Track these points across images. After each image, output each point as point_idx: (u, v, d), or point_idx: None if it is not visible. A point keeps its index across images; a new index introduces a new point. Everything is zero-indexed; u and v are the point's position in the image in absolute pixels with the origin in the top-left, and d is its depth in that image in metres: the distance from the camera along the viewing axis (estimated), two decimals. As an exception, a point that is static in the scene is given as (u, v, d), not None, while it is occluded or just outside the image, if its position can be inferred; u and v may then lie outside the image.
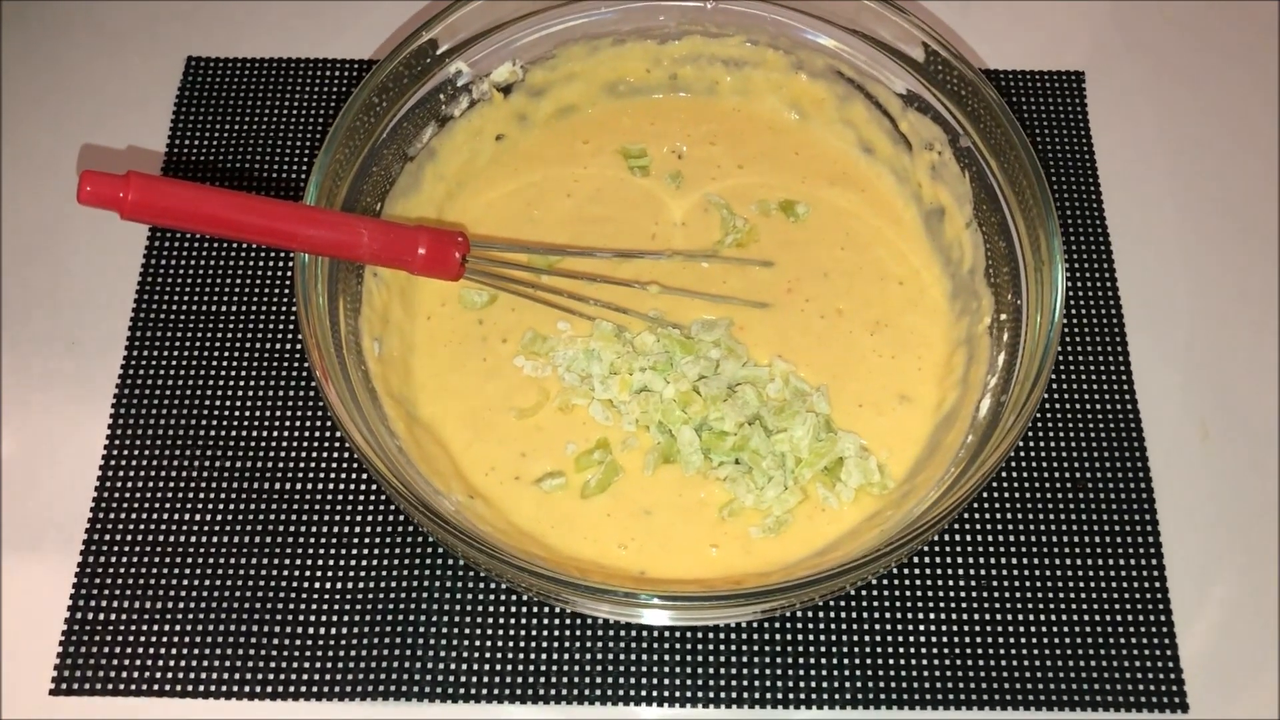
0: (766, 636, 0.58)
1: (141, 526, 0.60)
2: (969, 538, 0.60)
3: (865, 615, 0.58)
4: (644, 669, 0.57)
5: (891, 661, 0.58)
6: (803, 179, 0.67)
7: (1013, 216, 0.58)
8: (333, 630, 0.58)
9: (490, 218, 0.66)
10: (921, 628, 0.58)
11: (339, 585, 0.59)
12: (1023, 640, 0.58)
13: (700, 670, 0.57)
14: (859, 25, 0.63)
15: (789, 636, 0.58)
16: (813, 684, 0.57)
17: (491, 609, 0.58)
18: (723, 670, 0.57)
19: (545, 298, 0.62)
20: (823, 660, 0.57)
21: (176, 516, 0.60)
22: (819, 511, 0.58)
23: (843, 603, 0.59)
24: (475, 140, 0.66)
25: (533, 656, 0.57)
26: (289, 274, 0.67)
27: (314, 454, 0.62)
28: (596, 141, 0.68)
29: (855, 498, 0.58)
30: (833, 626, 0.58)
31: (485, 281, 0.62)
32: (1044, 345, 0.53)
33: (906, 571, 0.59)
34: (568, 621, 0.58)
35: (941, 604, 0.59)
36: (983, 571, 0.60)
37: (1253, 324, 0.67)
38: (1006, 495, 0.62)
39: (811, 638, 0.58)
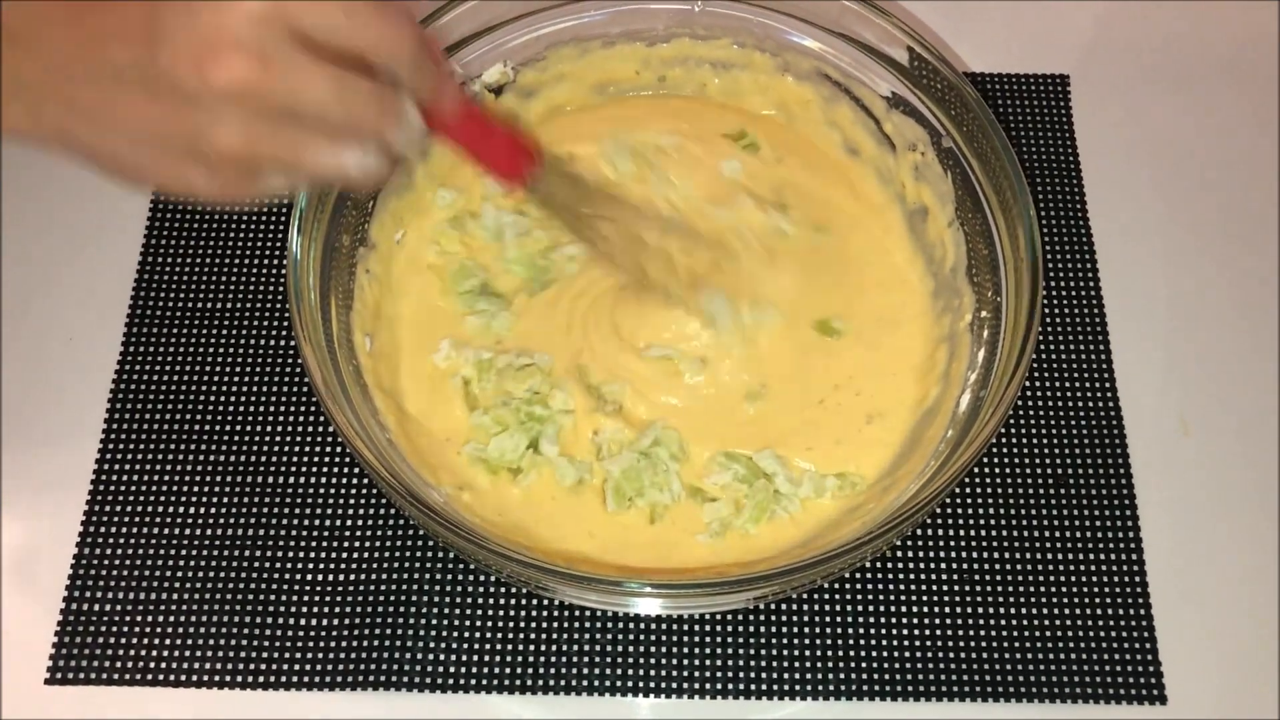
0: (754, 628, 0.59)
1: (136, 518, 0.61)
2: (951, 532, 0.61)
3: (848, 609, 0.59)
4: (634, 659, 0.58)
5: (874, 654, 0.58)
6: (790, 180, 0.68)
7: (993, 215, 0.59)
8: (325, 621, 0.58)
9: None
10: (904, 621, 0.59)
11: (331, 576, 0.60)
12: (1004, 633, 0.59)
13: (690, 660, 0.58)
14: (844, 28, 0.64)
15: (775, 629, 0.59)
16: (796, 675, 0.58)
17: (482, 600, 0.59)
18: (711, 661, 0.58)
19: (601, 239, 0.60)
20: (805, 653, 0.58)
21: (171, 509, 0.61)
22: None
23: (826, 596, 0.59)
24: None
25: (523, 647, 0.58)
26: (282, 271, 0.68)
27: (306, 447, 0.63)
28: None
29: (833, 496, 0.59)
30: (819, 619, 0.59)
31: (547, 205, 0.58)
32: (1022, 339, 0.53)
33: (890, 566, 0.60)
34: (557, 612, 0.59)
35: (924, 598, 0.60)
36: (965, 565, 0.60)
37: (1233, 321, 0.68)
38: (988, 490, 0.63)
39: (797, 629, 0.59)
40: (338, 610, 0.59)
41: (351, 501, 0.61)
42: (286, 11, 0.40)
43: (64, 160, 0.44)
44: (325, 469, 0.62)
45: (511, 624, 0.59)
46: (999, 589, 0.60)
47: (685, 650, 0.58)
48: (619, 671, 0.58)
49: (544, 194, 0.56)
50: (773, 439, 0.60)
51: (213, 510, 0.61)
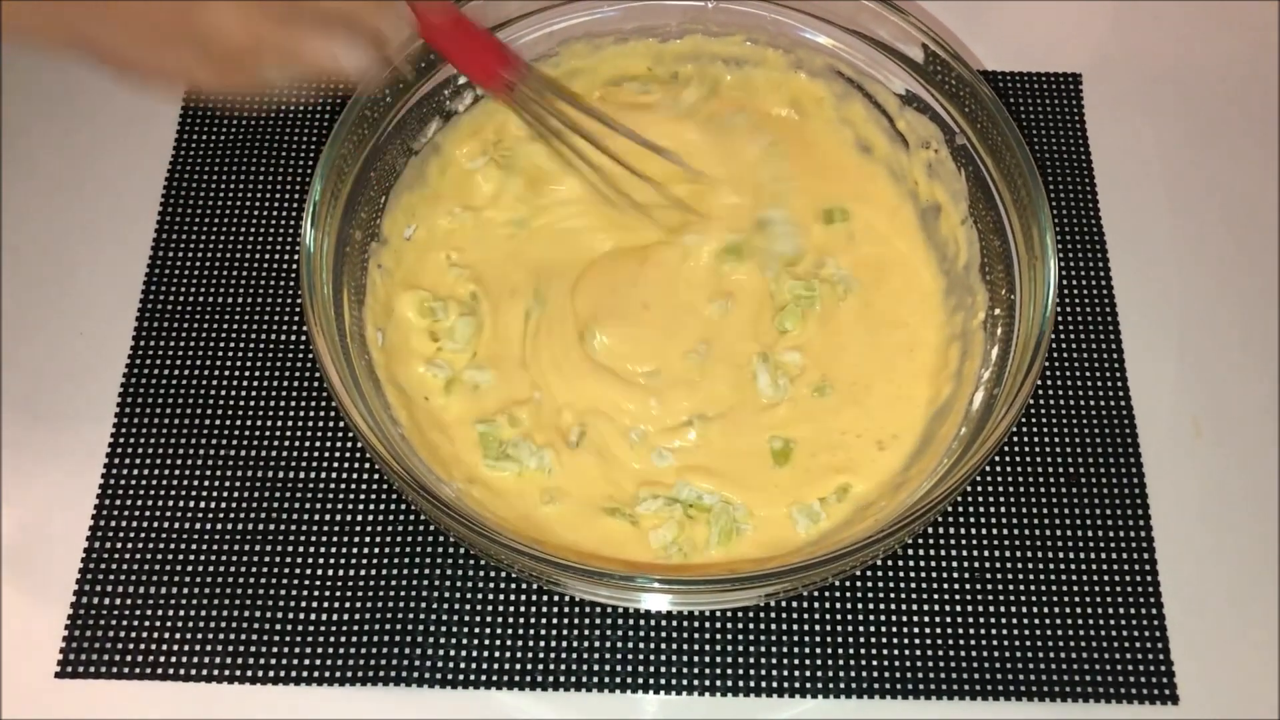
0: (764, 625, 0.59)
1: (147, 512, 0.61)
2: (963, 530, 0.61)
3: (859, 607, 0.59)
4: (644, 656, 0.58)
5: (884, 652, 0.58)
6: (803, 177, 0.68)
7: (1007, 213, 0.59)
8: (336, 616, 0.58)
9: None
10: (915, 619, 0.59)
11: (342, 571, 0.60)
12: (1015, 632, 0.59)
13: (700, 657, 0.58)
14: (858, 25, 0.64)
15: (785, 626, 0.59)
16: (805, 673, 0.58)
17: (493, 595, 0.59)
18: (721, 658, 0.58)
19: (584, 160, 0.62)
20: (817, 650, 0.58)
21: (182, 503, 0.61)
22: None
23: (838, 594, 0.59)
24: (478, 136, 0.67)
25: (533, 643, 0.58)
26: (294, 266, 0.68)
27: (318, 442, 0.63)
28: None
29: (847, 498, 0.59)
30: (828, 617, 0.59)
31: (529, 119, 0.61)
32: (1036, 337, 0.53)
33: (902, 564, 0.60)
34: (568, 608, 0.59)
35: (935, 595, 0.59)
36: (976, 564, 0.60)
37: (1246, 322, 0.68)
38: (1001, 490, 0.62)
39: (807, 627, 0.59)
40: (348, 605, 0.59)
41: (362, 496, 0.61)
42: None
43: (73, 60, 0.46)
44: (336, 463, 0.62)
45: (522, 620, 0.59)
46: (1010, 587, 0.60)
47: (695, 647, 0.58)
48: (628, 668, 0.58)
49: (527, 102, 0.59)
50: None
51: (223, 504, 0.61)
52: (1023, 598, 0.60)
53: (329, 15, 0.44)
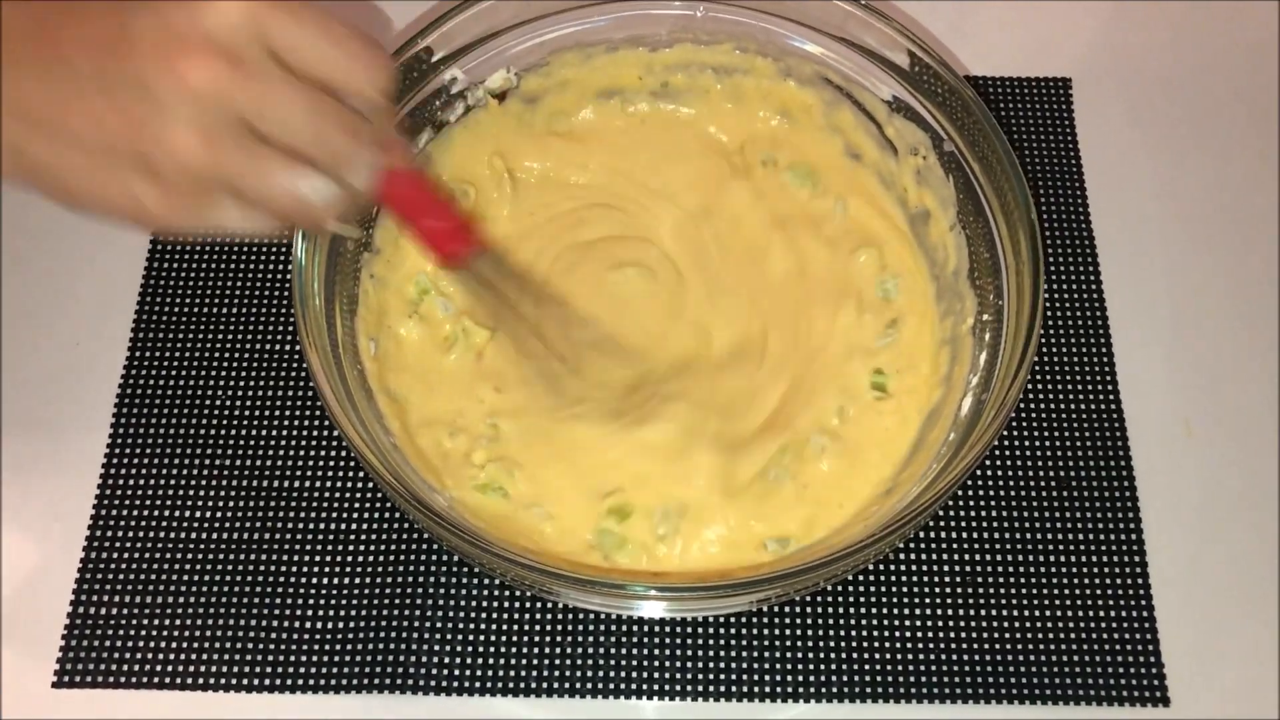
0: (757, 631, 0.59)
1: (143, 522, 0.61)
2: (954, 534, 0.61)
3: (851, 611, 0.59)
4: (638, 662, 0.58)
5: (877, 656, 0.58)
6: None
7: (995, 219, 0.59)
8: (331, 624, 0.59)
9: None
10: (907, 623, 0.59)
11: (337, 580, 0.60)
12: (1007, 635, 0.59)
13: (694, 664, 0.58)
14: (846, 33, 0.64)
15: (778, 631, 0.59)
16: (799, 678, 0.58)
17: (486, 603, 0.59)
18: (714, 664, 0.58)
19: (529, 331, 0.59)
20: (809, 655, 0.58)
21: (178, 513, 0.62)
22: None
23: (830, 599, 0.60)
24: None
25: (527, 650, 0.58)
26: (287, 277, 0.68)
27: (311, 452, 0.63)
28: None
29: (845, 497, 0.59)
30: (820, 622, 0.59)
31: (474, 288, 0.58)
32: (1023, 343, 0.54)
33: (892, 567, 0.60)
34: (561, 615, 0.59)
35: (927, 599, 0.60)
36: (967, 567, 0.61)
37: (1235, 324, 0.68)
38: (991, 493, 0.63)
39: (799, 632, 0.59)
40: (343, 613, 0.59)
41: (357, 505, 0.62)
42: (263, 20, 0.39)
43: (17, 190, 0.43)
44: (330, 473, 0.63)
45: (515, 627, 0.59)
46: (1002, 591, 0.60)
47: (689, 653, 0.58)
48: (623, 674, 0.58)
49: (478, 277, 0.55)
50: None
51: (219, 514, 0.62)
52: (1014, 600, 0.60)
53: (299, 142, 0.40)
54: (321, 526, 0.61)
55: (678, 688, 0.58)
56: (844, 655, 0.58)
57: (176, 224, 0.42)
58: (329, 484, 0.62)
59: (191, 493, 0.62)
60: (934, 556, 0.61)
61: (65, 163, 0.41)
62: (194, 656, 0.58)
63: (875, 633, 0.59)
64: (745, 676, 0.58)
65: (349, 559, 0.60)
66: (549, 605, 0.59)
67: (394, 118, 0.44)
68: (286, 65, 0.40)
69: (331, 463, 0.63)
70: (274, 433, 0.64)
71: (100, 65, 0.39)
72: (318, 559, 0.60)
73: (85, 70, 0.40)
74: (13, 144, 0.41)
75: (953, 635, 0.59)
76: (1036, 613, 0.60)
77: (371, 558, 0.60)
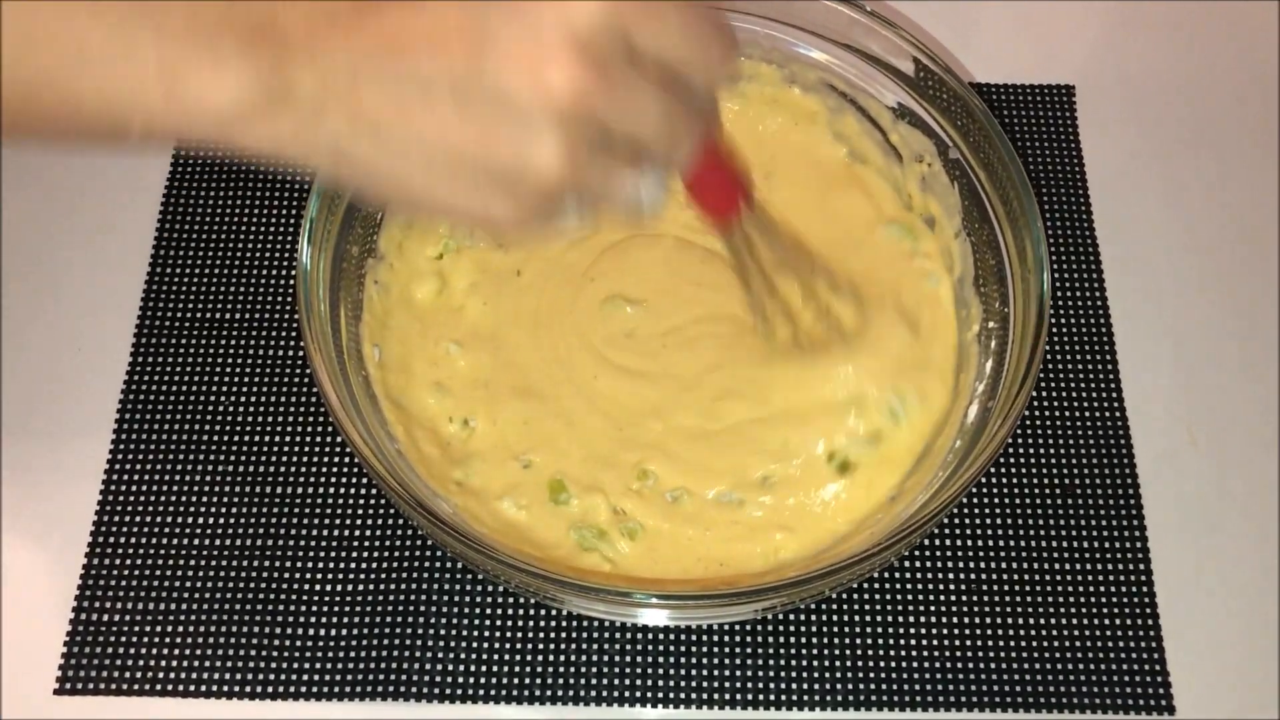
0: (761, 639, 0.59)
1: (146, 528, 0.61)
2: (960, 542, 0.61)
3: (855, 620, 0.59)
4: (642, 670, 0.58)
5: (883, 664, 0.58)
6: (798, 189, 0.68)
7: (1000, 226, 0.59)
8: (334, 631, 0.59)
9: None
10: (913, 630, 0.59)
11: (340, 587, 0.60)
12: (1011, 643, 0.59)
13: (697, 671, 0.58)
14: (851, 39, 0.64)
15: (783, 639, 0.59)
16: (805, 685, 0.58)
17: (490, 610, 0.59)
18: (717, 672, 0.58)
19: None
20: (815, 662, 0.58)
21: (180, 519, 0.61)
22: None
23: (836, 606, 0.60)
24: None
25: (530, 657, 0.58)
26: (291, 282, 0.68)
27: (315, 457, 0.63)
28: None
29: (846, 504, 0.59)
30: (825, 629, 0.59)
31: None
32: (1029, 351, 0.54)
33: (899, 575, 0.60)
34: (565, 622, 0.59)
35: (933, 607, 0.60)
36: (973, 575, 0.61)
37: (1240, 332, 0.68)
38: (996, 500, 0.63)
39: (805, 639, 0.59)
40: (346, 620, 0.59)
41: (360, 511, 0.62)
42: (626, 17, 0.36)
43: (337, 179, 0.40)
44: (334, 479, 0.63)
45: (519, 634, 0.59)
46: (1006, 599, 0.60)
47: (692, 661, 0.58)
48: (626, 682, 0.58)
49: (741, 237, 0.52)
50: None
51: (221, 520, 0.61)
52: (1019, 608, 0.60)
53: (647, 149, 0.38)
54: (325, 533, 0.61)
55: (681, 695, 0.58)
56: (849, 663, 0.58)
57: (524, 233, 0.40)
58: (332, 490, 0.62)
59: (194, 499, 0.62)
60: (939, 564, 0.61)
61: (399, 169, 0.37)
62: (196, 663, 0.58)
63: (880, 640, 0.59)
64: (750, 684, 0.58)
65: (352, 566, 0.60)
66: (552, 612, 0.59)
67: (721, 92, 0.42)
68: (641, 60, 0.37)
69: (334, 469, 0.63)
70: (277, 439, 0.64)
71: (451, 67, 0.35)
72: (321, 566, 0.60)
73: (431, 71, 0.35)
74: (338, 146, 0.37)
75: (958, 643, 0.59)
76: (1042, 620, 0.59)
77: (374, 564, 0.60)
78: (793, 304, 0.59)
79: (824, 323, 0.60)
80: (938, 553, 0.61)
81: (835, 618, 0.59)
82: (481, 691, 0.57)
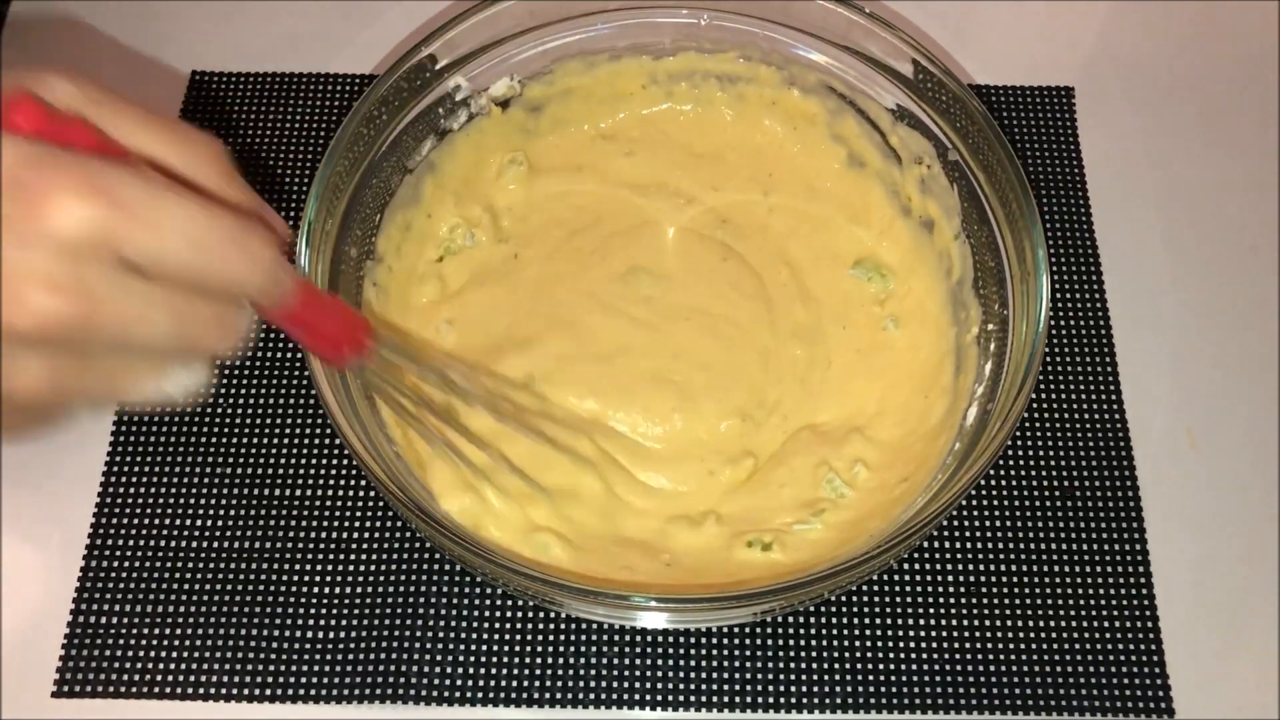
0: (760, 641, 0.59)
1: (144, 530, 0.61)
2: (959, 544, 0.61)
3: (857, 621, 0.59)
4: (641, 673, 0.58)
5: (882, 666, 0.58)
6: (794, 191, 0.68)
7: (999, 228, 0.59)
8: (332, 634, 0.59)
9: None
10: (912, 633, 0.59)
11: (338, 589, 0.60)
12: (1011, 645, 0.59)
13: (696, 674, 0.58)
14: (850, 41, 0.64)
15: (782, 641, 0.59)
16: (804, 688, 0.58)
17: (489, 613, 0.59)
18: (716, 674, 0.58)
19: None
20: (814, 665, 0.58)
21: (178, 521, 0.61)
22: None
23: (835, 608, 0.59)
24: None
25: (529, 660, 0.58)
26: (290, 284, 0.68)
27: (314, 460, 0.63)
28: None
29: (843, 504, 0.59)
30: (825, 631, 0.59)
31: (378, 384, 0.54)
32: (1029, 353, 0.54)
33: (898, 578, 0.60)
34: (565, 625, 0.59)
35: (932, 609, 0.60)
36: (972, 578, 0.60)
37: (1239, 334, 0.68)
38: (996, 503, 0.63)
39: (804, 642, 0.59)
40: (345, 623, 0.59)
41: (359, 514, 0.62)
42: (112, 237, 0.34)
43: None
44: (333, 482, 0.62)
45: (518, 637, 0.59)
46: (1005, 601, 0.60)
47: (692, 663, 0.58)
48: (625, 684, 0.58)
49: (375, 371, 0.51)
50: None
51: (220, 522, 0.61)
52: (1018, 610, 0.60)
53: (164, 349, 0.36)
54: (323, 536, 0.61)
55: (680, 698, 0.58)
56: (848, 665, 0.58)
57: (18, 438, 0.39)
58: (330, 493, 0.62)
59: (192, 501, 0.62)
60: (937, 566, 0.61)
61: None
62: (194, 666, 0.58)
63: (879, 643, 0.59)
64: (749, 687, 0.58)
65: (350, 568, 0.60)
66: (551, 615, 0.59)
67: (283, 256, 0.39)
68: (142, 267, 0.35)
69: (333, 472, 0.63)
70: (276, 441, 0.64)
71: None
72: (319, 568, 0.60)
73: None
74: None
75: (957, 645, 0.59)
76: (1041, 623, 0.59)
77: (373, 567, 0.60)
78: (472, 429, 0.57)
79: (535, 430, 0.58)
80: (937, 555, 0.61)
81: (835, 620, 0.59)
82: (480, 694, 0.57)
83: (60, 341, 0.35)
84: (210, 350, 0.38)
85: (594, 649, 0.58)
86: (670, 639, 0.59)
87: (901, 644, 0.59)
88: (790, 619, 0.59)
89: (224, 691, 0.57)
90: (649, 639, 0.59)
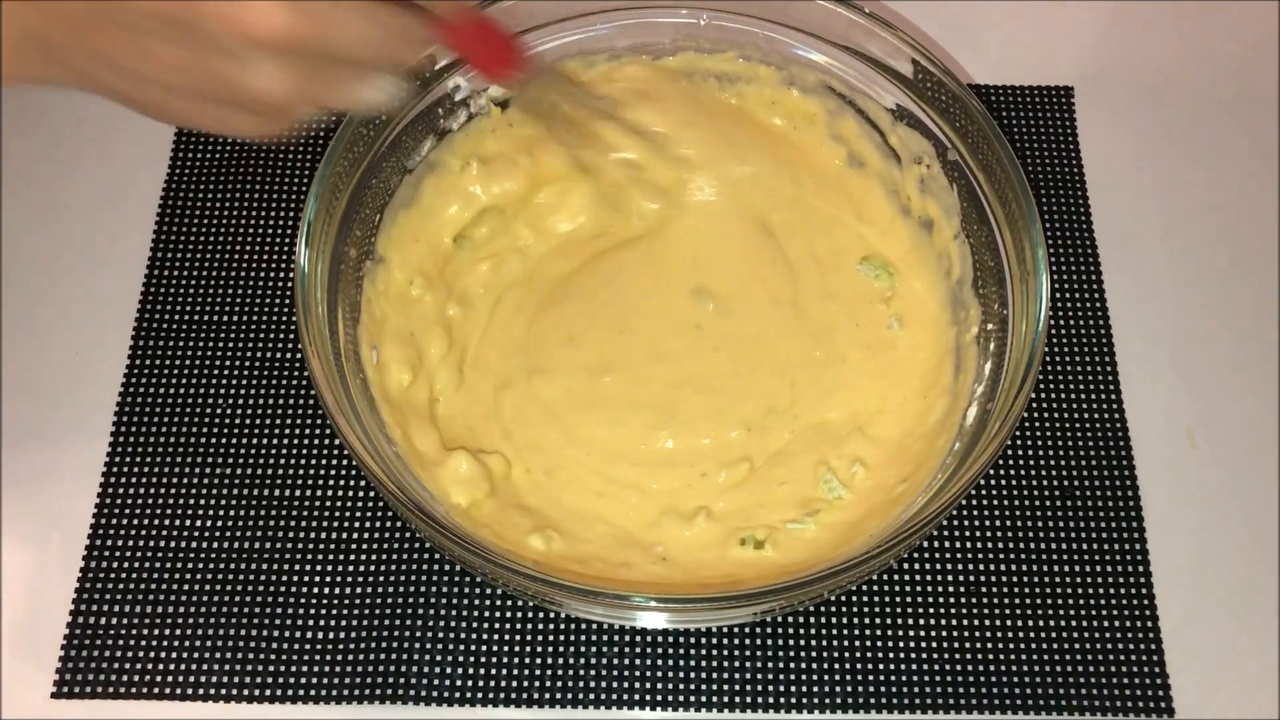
0: (760, 641, 0.59)
1: (143, 531, 0.61)
2: (959, 544, 0.61)
3: (857, 620, 0.59)
4: (641, 672, 0.58)
5: (882, 666, 0.58)
6: (795, 191, 0.68)
7: (999, 228, 0.59)
8: (332, 634, 0.59)
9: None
10: (912, 633, 0.59)
11: (338, 589, 0.60)
12: (1011, 645, 0.59)
13: (696, 674, 0.58)
14: (850, 41, 0.64)
15: (782, 641, 0.59)
16: (804, 688, 0.58)
17: (488, 613, 0.59)
18: (716, 674, 0.58)
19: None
20: (814, 665, 0.58)
21: (178, 522, 0.61)
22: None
23: (834, 608, 0.59)
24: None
25: (529, 660, 0.58)
26: (289, 284, 0.68)
27: (314, 460, 0.63)
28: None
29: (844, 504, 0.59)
30: (824, 631, 0.59)
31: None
32: (1028, 353, 0.54)
33: (898, 577, 0.60)
34: (564, 625, 0.59)
35: (932, 609, 0.60)
36: (972, 578, 0.60)
37: (1239, 334, 0.68)
38: (996, 503, 0.63)
39: (804, 642, 0.59)
40: (344, 623, 0.59)
41: (359, 514, 0.62)
42: None
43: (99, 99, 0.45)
44: (332, 482, 0.62)
45: (518, 637, 0.59)
46: (1005, 601, 0.60)
47: (691, 663, 0.58)
48: (625, 684, 0.58)
49: (534, 93, 0.60)
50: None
51: (219, 523, 0.61)
52: (1018, 610, 0.60)
53: (365, 57, 0.44)
54: (322, 536, 0.61)
55: (680, 698, 0.58)
56: (848, 665, 0.58)
57: (263, 136, 0.46)
58: (329, 493, 0.62)
59: (192, 502, 0.62)
60: (937, 566, 0.61)
61: (143, 93, 0.44)
62: (194, 666, 0.58)
63: (879, 643, 0.59)
64: (749, 687, 0.58)
65: (350, 568, 0.60)
66: (551, 615, 0.59)
67: None
68: None
69: (332, 472, 0.63)
70: (275, 441, 0.64)
71: (167, 11, 0.41)
72: (318, 568, 0.60)
73: (150, 15, 0.41)
74: (91, 76, 0.44)
75: (956, 645, 0.59)
76: (1041, 623, 0.59)
77: (372, 567, 0.60)
78: (616, 144, 0.64)
79: (665, 158, 0.65)
80: (937, 555, 0.61)
81: (835, 620, 0.59)
82: (480, 694, 0.57)
83: (281, 50, 0.41)
84: (405, 61, 0.46)
85: (594, 649, 0.58)
86: (670, 639, 0.59)
87: (901, 644, 0.59)
88: (790, 619, 0.59)
89: (224, 692, 0.57)
90: (649, 639, 0.59)
